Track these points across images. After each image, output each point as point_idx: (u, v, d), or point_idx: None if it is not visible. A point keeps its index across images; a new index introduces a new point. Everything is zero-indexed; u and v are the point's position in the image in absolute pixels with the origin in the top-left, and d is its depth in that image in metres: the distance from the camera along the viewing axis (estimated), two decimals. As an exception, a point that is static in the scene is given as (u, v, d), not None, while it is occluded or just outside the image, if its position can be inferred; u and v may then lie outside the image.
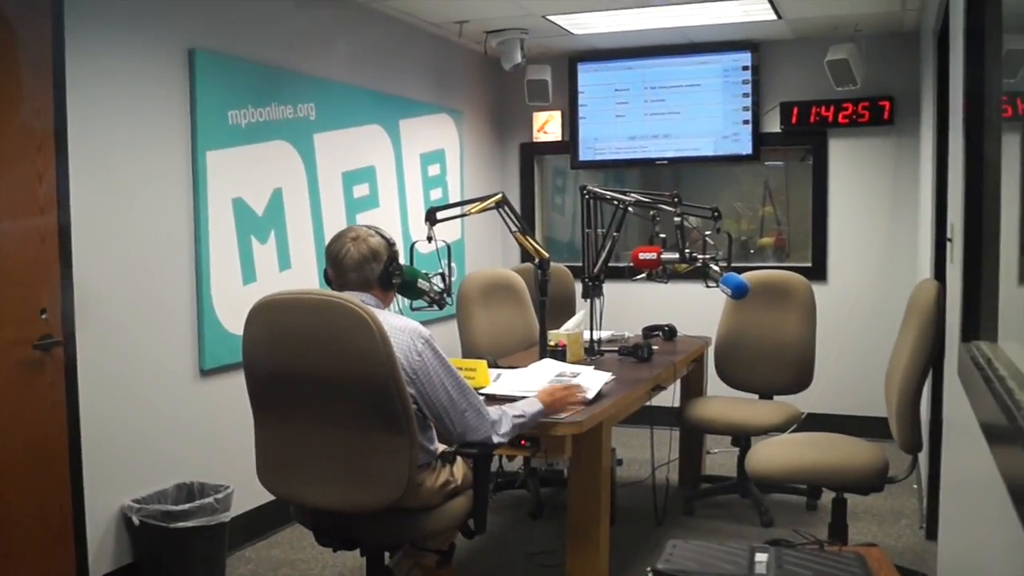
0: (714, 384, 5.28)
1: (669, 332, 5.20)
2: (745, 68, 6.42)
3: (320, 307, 2.77)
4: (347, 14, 5.23)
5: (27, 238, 3.43)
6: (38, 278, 3.47)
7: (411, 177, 5.80)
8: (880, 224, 6.33)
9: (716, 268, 4.39)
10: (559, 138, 7.01)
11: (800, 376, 5.01)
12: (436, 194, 6.08)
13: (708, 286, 4.46)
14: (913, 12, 5.60)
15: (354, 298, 2.76)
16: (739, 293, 4.33)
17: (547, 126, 7.00)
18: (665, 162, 6.65)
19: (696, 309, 5.67)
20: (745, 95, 6.43)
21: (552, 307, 4.70)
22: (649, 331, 5.21)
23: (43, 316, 3.47)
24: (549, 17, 5.68)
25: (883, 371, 3.92)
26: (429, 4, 5.39)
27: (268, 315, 2.86)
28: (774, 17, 5.73)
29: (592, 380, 3.70)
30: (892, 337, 3.90)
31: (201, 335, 4.19)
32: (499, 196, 4.01)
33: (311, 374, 2.79)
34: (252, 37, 4.49)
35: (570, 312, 5.49)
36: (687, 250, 4.40)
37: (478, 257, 6.65)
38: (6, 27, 3.36)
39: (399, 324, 2.90)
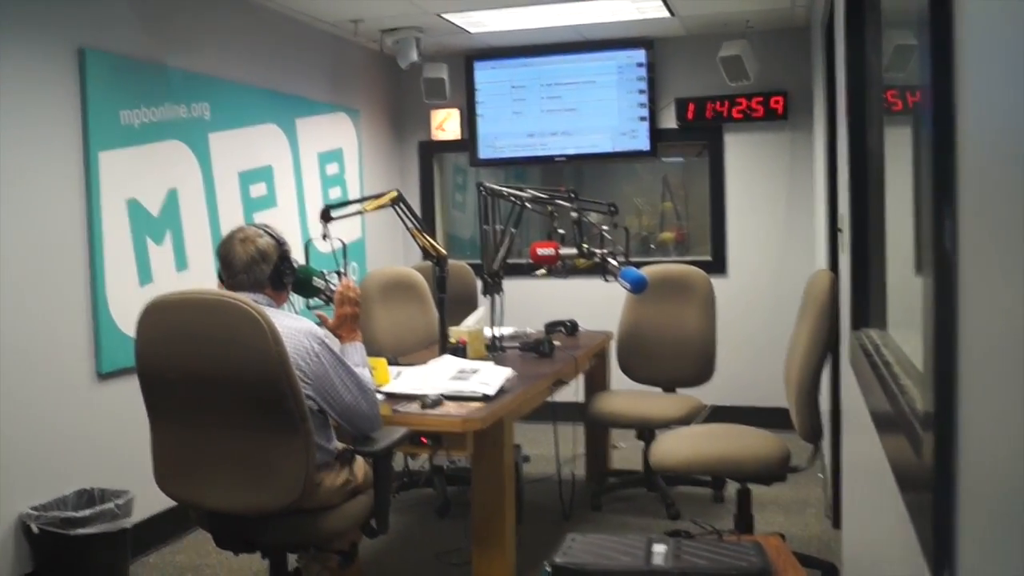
0: (617, 378, 5.32)
1: (571, 327, 5.23)
2: (640, 65, 6.49)
3: (212, 306, 2.72)
4: (241, 13, 5.13)
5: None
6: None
7: (309, 176, 5.72)
8: (777, 217, 6.47)
9: (614, 263, 4.43)
10: (458, 136, 6.99)
11: (702, 368, 5.07)
12: (335, 193, 6.01)
13: (607, 280, 4.49)
14: (803, 8, 5.74)
15: (246, 298, 2.71)
16: (638, 287, 4.37)
17: (445, 124, 6.97)
18: (564, 159, 6.68)
19: (597, 304, 5.73)
20: (641, 91, 6.51)
21: (454, 304, 4.69)
22: (551, 327, 5.22)
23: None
24: (444, 15, 5.66)
25: (783, 361, 3.99)
26: (323, 3, 5.32)
27: (160, 315, 2.79)
28: (667, 15, 5.81)
29: (492, 376, 3.70)
30: (791, 328, 3.98)
31: (97, 338, 4.07)
32: (394, 193, 3.98)
33: (204, 375, 2.73)
34: (143, 35, 4.37)
35: (472, 309, 5.47)
36: (585, 245, 4.44)
37: (379, 255, 6.59)
38: None
39: (293, 324, 2.86)
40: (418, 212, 6.96)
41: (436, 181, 7.19)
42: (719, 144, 6.52)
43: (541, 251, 4.47)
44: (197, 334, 2.72)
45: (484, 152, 6.82)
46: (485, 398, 3.48)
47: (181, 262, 4.56)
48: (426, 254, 4.30)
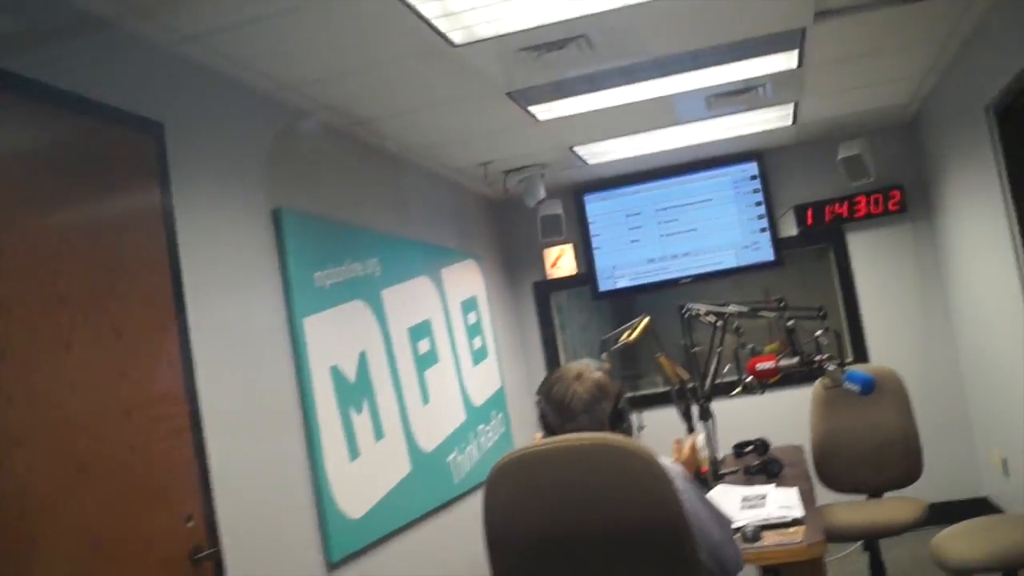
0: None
1: (762, 446, 4.96)
2: (753, 177, 6.46)
3: (589, 452, 2.40)
4: (389, 166, 5.05)
5: (164, 434, 2.97)
6: (179, 479, 3.00)
7: (457, 328, 5.49)
8: (911, 308, 6.43)
9: (833, 368, 4.23)
10: (573, 272, 6.85)
11: (910, 468, 4.82)
12: (478, 343, 5.78)
13: (826, 387, 4.31)
14: (919, 101, 5.74)
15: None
16: (868, 388, 4.15)
17: (559, 261, 6.82)
18: (689, 280, 6.54)
19: (776, 417, 5.50)
20: (758, 203, 6.45)
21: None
22: (740, 448, 4.97)
23: (189, 524, 2.98)
24: (574, 148, 5.59)
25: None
26: (456, 148, 5.24)
27: (520, 473, 2.46)
28: (790, 123, 5.79)
29: (786, 498, 3.45)
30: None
31: (324, 522, 3.70)
32: (647, 321, 3.78)
33: (583, 533, 2.40)
34: (321, 193, 4.19)
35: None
36: (805, 354, 4.24)
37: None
38: (123, 216, 3.02)
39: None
40: (542, 357, 6.80)
41: (556, 320, 6.99)
42: (842, 245, 6.45)
43: (761, 366, 4.24)
44: (575, 486, 2.40)
45: (604, 284, 6.65)
46: (796, 522, 3.21)
47: (379, 431, 4.26)
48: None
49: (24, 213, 2.61)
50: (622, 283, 6.65)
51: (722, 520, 2.67)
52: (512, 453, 2.50)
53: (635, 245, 6.61)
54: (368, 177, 4.76)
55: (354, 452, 4.01)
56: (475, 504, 5.01)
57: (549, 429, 2.73)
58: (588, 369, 2.73)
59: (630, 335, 3.71)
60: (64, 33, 2.91)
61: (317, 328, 3.87)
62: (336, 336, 4.03)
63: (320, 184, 4.22)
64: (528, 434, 6.30)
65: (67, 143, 2.83)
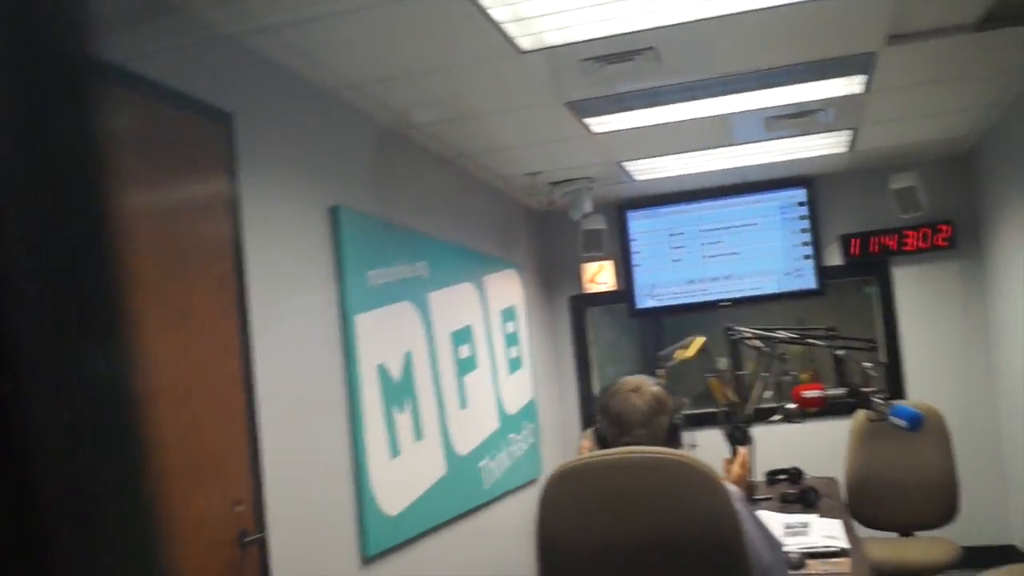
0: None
1: (795, 475, 4.92)
2: (801, 204, 6.42)
3: (647, 465, 2.41)
4: (442, 170, 5.07)
5: (221, 417, 2.99)
6: (231, 463, 3.02)
7: (496, 335, 5.50)
8: (953, 347, 6.34)
9: (880, 400, 4.19)
10: (611, 288, 6.83)
11: (945, 508, 4.77)
12: (514, 352, 5.78)
13: (872, 419, 4.26)
14: (976, 136, 5.70)
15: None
16: (915, 424, 4.09)
17: (598, 276, 6.82)
18: (728, 303, 6.51)
19: (812, 447, 5.46)
20: (804, 230, 6.42)
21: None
22: (772, 475, 4.93)
23: (238, 508, 3.00)
24: (623, 163, 5.58)
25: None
26: (507, 156, 5.24)
27: (575, 483, 2.46)
28: (845, 150, 5.76)
29: (831, 529, 3.42)
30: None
31: (362, 517, 3.71)
32: (703, 340, 3.77)
33: (640, 545, 2.39)
34: (376, 193, 4.21)
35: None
36: (855, 384, 4.20)
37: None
38: (192, 203, 3.05)
39: (716, 481, 2.58)
40: (573, 371, 6.78)
41: (591, 336, 6.98)
42: (887, 278, 6.41)
43: (808, 394, 4.20)
44: (632, 498, 2.39)
45: (641, 302, 6.64)
46: (843, 552, 3.19)
47: (418, 431, 4.27)
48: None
49: (100, 191, 2.63)
50: (660, 302, 6.63)
51: (773, 543, 2.66)
52: (565, 464, 2.49)
53: (676, 265, 6.59)
54: (421, 180, 4.78)
55: (395, 450, 4.01)
56: (502, 512, 5.11)
57: (603, 442, 2.72)
58: (646, 383, 2.72)
59: (684, 354, 3.69)
60: (138, 19, 2.92)
61: (367, 326, 3.88)
62: (384, 335, 4.04)
63: (376, 184, 4.23)
64: (557, 447, 6.32)
65: (141, 127, 2.84)
